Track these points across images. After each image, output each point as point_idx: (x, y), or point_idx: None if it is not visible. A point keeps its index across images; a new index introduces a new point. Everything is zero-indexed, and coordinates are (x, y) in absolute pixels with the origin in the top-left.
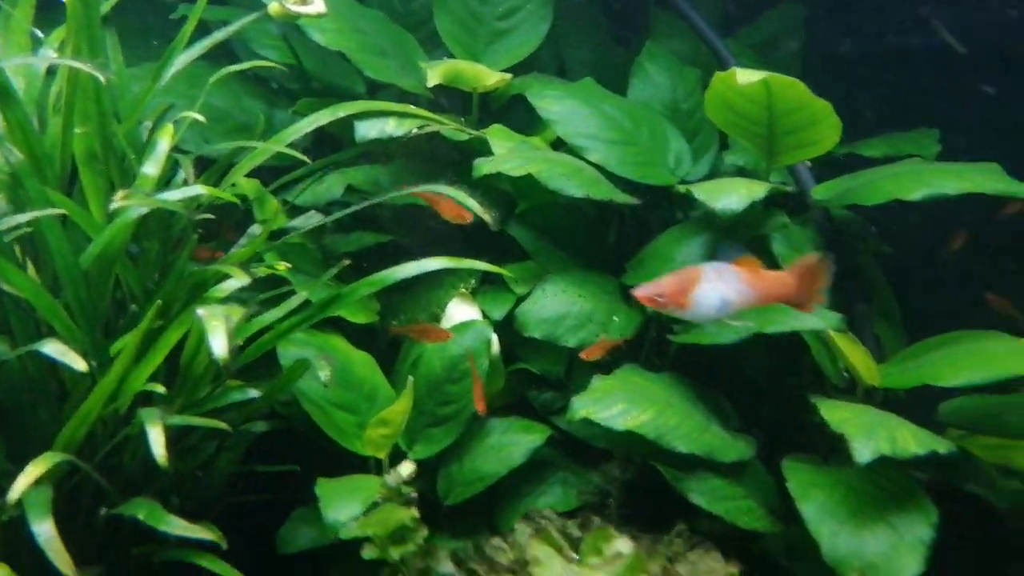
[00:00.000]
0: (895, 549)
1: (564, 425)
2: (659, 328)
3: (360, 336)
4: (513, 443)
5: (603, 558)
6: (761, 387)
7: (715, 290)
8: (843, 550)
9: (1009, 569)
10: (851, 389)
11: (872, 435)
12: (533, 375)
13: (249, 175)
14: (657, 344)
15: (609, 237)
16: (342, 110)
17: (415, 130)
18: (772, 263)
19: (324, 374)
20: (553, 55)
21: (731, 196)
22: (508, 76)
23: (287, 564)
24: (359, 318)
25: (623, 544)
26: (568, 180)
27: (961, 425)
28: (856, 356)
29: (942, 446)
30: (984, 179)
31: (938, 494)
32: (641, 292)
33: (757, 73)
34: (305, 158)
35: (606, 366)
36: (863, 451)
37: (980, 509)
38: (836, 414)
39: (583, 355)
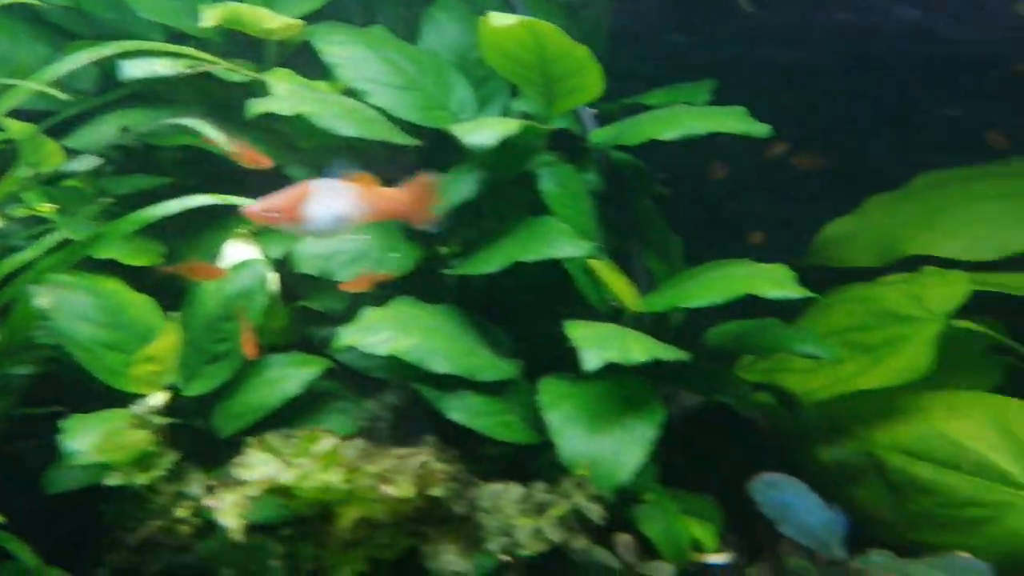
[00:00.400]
0: (622, 445)
1: (344, 358)
2: (443, 263)
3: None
4: (289, 376)
5: (310, 456)
6: (538, 316)
7: (327, 206)
8: (576, 450)
9: (761, 468)
10: (618, 317)
11: (603, 346)
12: (317, 312)
13: (27, 120)
14: (442, 278)
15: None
16: (108, 49)
17: (186, 70)
18: (540, 198)
19: (43, 301)
20: (363, 9)
21: (483, 132)
22: (295, 21)
23: (62, 506)
24: (138, 260)
25: (327, 443)
26: (341, 120)
27: (721, 346)
28: (616, 283)
29: (665, 354)
30: (729, 120)
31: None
32: (251, 209)
33: (512, 17)
34: (65, 96)
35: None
36: (591, 359)
37: (741, 419)
38: (578, 331)
39: (342, 286)
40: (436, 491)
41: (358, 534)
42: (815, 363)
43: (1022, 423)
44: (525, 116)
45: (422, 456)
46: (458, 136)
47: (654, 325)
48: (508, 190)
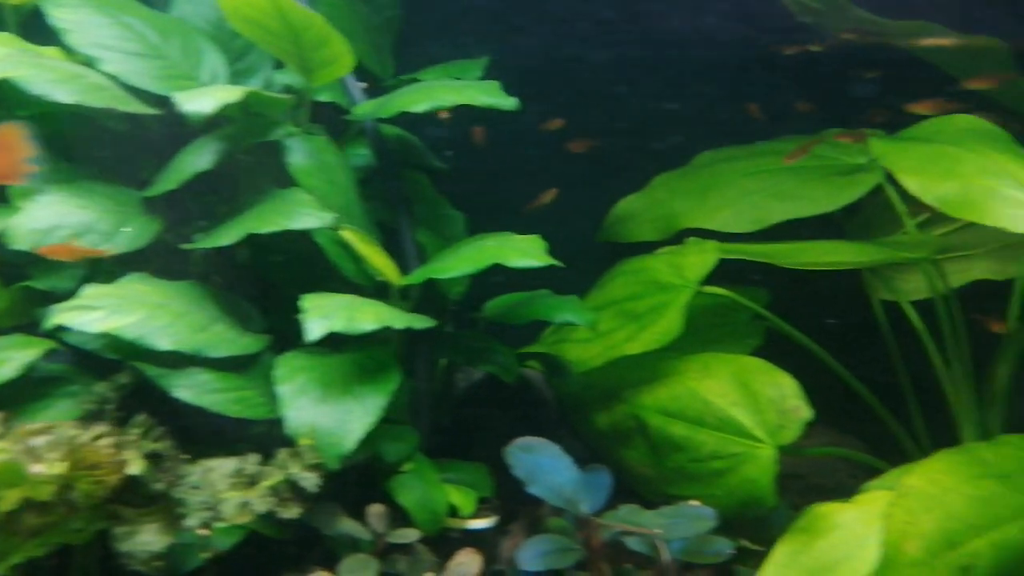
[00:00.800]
0: (350, 414)
1: (75, 340)
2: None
3: None
4: (5, 360)
5: None
6: (301, 292)
7: None
8: (302, 420)
9: (543, 435)
10: (384, 291)
11: (330, 316)
12: (48, 293)
13: None
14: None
15: (140, 151)
16: None
17: None
18: (285, 171)
19: None
20: None
21: (203, 99)
22: None
23: None
24: None
25: None
26: (58, 86)
27: (496, 317)
28: (373, 256)
29: (399, 321)
30: (479, 94)
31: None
32: None
33: None
34: None
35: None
36: (314, 329)
37: (527, 389)
38: (310, 302)
39: (40, 250)
40: (133, 469)
41: (48, 518)
42: (593, 333)
43: (760, 380)
44: (287, 89)
45: (90, 433)
46: (177, 103)
47: (420, 298)
48: (261, 162)
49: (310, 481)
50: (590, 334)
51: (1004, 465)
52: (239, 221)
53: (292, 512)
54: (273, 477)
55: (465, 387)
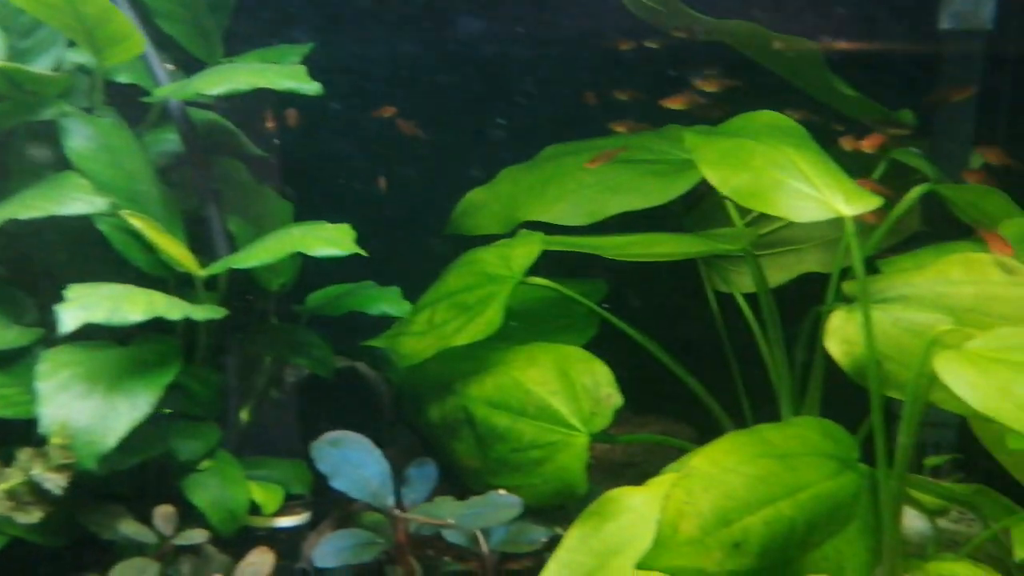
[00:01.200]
0: (114, 411)
1: None
2: None
3: None
4: None
5: None
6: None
7: None
8: (57, 418)
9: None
10: (190, 283)
11: (90, 307)
12: None
13: None
14: None
15: None
16: None
17: None
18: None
19: None
20: None
21: None
22: None
23: None
24: None
25: None
26: None
27: (317, 310)
28: (167, 245)
29: (174, 312)
30: (280, 78)
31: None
32: None
33: None
34: None
35: None
36: (67, 321)
37: (366, 384)
38: (75, 292)
39: None
40: None
41: None
42: (428, 325)
43: (578, 369)
44: (80, 68)
45: None
46: None
47: (228, 289)
48: (40, 144)
49: (54, 483)
50: (425, 326)
51: (786, 445)
52: (2, 206)
53: (33, 517)
54: (11, 479)
55: (294, 382)
